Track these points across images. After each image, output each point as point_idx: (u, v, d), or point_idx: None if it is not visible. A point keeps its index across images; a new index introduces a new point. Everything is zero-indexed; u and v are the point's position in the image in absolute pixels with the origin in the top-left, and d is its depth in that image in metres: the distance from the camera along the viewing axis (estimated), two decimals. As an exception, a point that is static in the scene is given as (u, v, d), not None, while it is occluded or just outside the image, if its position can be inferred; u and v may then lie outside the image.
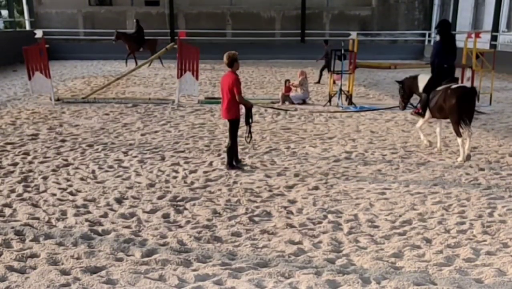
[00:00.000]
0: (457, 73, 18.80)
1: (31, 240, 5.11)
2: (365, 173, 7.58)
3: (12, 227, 5.38)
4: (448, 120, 8.37)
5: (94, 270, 4.50)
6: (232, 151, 7.70)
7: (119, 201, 6.32)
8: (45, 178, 7.19)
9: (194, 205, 6.22)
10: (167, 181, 7.13)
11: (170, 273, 4.44)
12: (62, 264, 4.61)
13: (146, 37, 22.92)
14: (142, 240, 5.18)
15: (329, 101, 13.46)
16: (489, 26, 23.08)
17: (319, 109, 12.71)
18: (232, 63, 7.50)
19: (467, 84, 13.82)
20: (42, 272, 4.41)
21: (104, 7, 29.36)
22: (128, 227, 5.52)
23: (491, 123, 11.36)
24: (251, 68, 23.44)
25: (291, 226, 5.61)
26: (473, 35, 13.80)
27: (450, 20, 27.00)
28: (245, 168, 7.76)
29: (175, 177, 7.32)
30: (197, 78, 13.48)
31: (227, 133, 7.82)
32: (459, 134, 8.06)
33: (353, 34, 14.14)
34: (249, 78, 19.76)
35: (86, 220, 5.65)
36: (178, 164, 7.98)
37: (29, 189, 6.74)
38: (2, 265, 4.53)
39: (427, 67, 18.10)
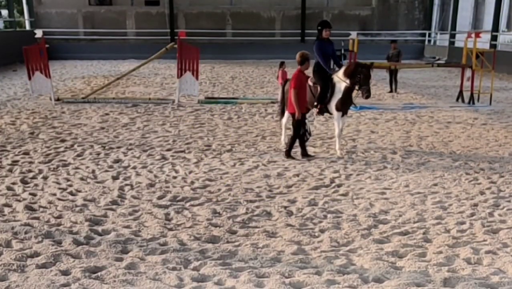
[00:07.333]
0: (457, 72, 18.86)
1: (31, 240, 5.11)
2: (365, 173, 7.58)
3: (12, 227, 5.38)
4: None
5: (94, 270, 4.49)
6: (291, 141, 8.33)
7: (119, 201, 6.32)
8: (45, 178, 7.19)
9: (194, 205, 6.22)
10: (167, 181, 7.13)
11: (169, 273, 4.43)
12: (62, 264, 4.61)
13: None
14: (142, 240, 5.18)
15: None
16: (489, 26, 23.11)
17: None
18: (303, 62, 8.14)
19: (468, 84, 13.91)
20: (42, 272, 4.41)
21: (104, 7, 29.35)
22: (128, 227, 5.51)
23: (491, 123, 11.36)
24: (251, 68, 23.44)
25: (291, 226, 5.61)
26: (473, 35, 13.81)
27: (450, 20, 27.11)
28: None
29: (175, 177, 7.32)
30: (197, 78, 13.49)
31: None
32: None
33: (353, 34, 14.14)
34: (249, 78, 19.76)
35: (86, 220, 5.65)
36: (178, 164, 7.98)
37: (28, 188, 6.73)
38: (2, 265, 4.53)
39: (427, 67, 18.16)
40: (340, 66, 8.84)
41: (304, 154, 8.34)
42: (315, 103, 8.63)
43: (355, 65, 8.31)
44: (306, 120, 8.45)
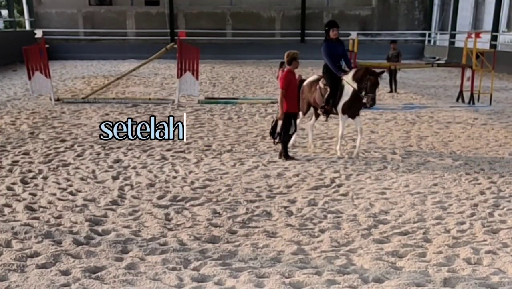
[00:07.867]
0: (457, 72, 18.84)
1: (31, 240, 5.11)
2: (365, 173, 7.58)
3: (12, 227, 5.38)
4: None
5: (94, 270, 4.49)
6: (282, 143, 8.25)
7: (119, 201, 6.32)
8: (45, 178, 7.18)
9: (194, 205, 6.22)
10: (167, 181, 7.13)
11: (169, 273, 4.43)
12: (62, 264, 4.61)
13: None
14: (142, 240, 5.18)
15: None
16: (489, 26, 23.11)
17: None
18: (291, 62, 8.01)
19: (468, 84, 13.91)
20: (42, 272, 4.41)
21: (104, 7, 29.34)
22: (128, 227, 5.51)
23: (491, 123, 11.36)
24: (251, 68, 23.44)
25: (291, 226, 5.61)
26: (473, 35, 13.81)
27: (450, 20, 27.12)
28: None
29: (175, 177, 7.32)
30: (197, 78, 13.49)
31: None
32: None
33: (353, 34, 14.14)
34: (249, 78, 19.76)
35: (86, 220, 5.65)
36: (178, 164, 7.98)
37: (28, 188, 6.73)
38: (2, 265, 4.53)
39: (427, 67, 18.15)
40: (351, 67, 8.79)
41: (281, 154, 8.30)
42: (323, 104, 8.62)
43: (364, 71, 8.23)
44: (296, 121, 8.36)
